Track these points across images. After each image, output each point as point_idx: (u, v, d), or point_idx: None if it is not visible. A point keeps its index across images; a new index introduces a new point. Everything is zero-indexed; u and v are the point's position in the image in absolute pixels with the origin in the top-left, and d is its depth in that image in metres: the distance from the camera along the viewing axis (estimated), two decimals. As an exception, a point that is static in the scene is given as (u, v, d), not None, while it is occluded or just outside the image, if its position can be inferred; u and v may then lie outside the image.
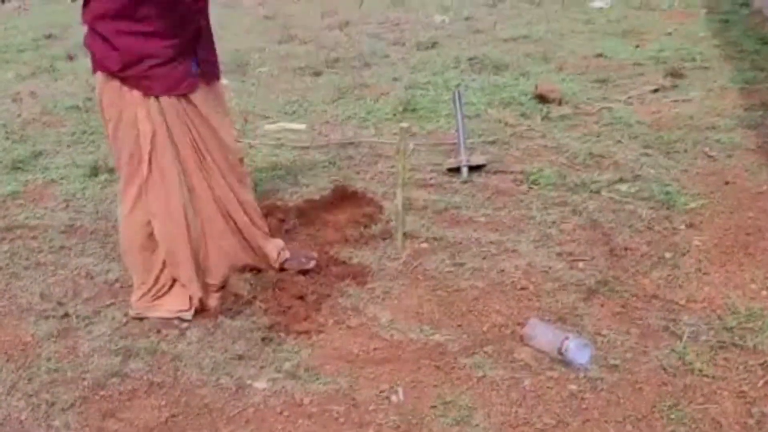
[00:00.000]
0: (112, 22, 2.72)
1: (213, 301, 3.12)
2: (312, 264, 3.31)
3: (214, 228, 3.09)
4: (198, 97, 2.92)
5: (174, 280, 3.06)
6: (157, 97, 2.80)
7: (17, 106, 6.03)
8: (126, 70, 2.76)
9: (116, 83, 2.80)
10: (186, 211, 2.95)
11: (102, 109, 2.89)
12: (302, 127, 5.35)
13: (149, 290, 3.07)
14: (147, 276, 3.06)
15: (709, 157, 4.34)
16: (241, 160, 3.18)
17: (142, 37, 2.74)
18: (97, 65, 2.83)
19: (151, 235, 2.98)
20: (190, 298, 3.04)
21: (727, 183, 3.99)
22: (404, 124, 3.44)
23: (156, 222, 2.95)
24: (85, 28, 2.84)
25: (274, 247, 3.30)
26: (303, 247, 3.50)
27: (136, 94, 2.78)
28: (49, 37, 8.81)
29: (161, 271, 3.04)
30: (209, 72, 3.01)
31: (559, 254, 3.42)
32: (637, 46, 7.03)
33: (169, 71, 2.80)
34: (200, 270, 3.06)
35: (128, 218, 3.00)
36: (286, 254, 3.33)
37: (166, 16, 2.73)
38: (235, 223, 3.14)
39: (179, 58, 2.83)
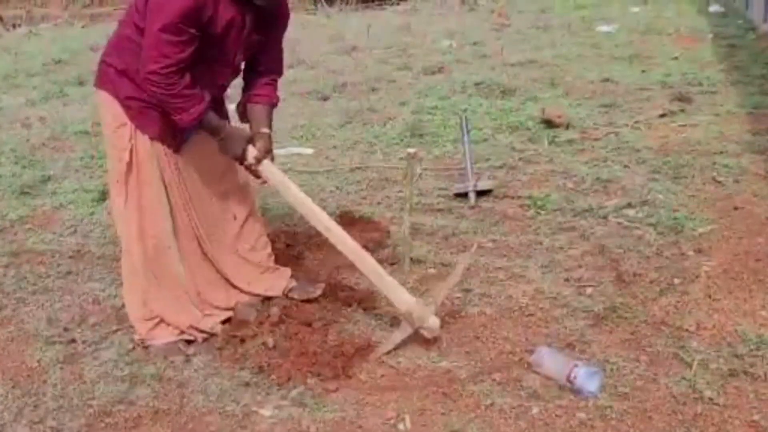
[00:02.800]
0: (129, 56, 2.77)
1: (218, 326, 3.11)
2: (318, 292, 3.29)
3: (223, 250, 3.11)
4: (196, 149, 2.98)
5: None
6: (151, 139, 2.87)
7: (27, 131, 6.07)
8: (129, 101, 2.82)
9: (119, 105, 2.85)
10: (165, 243, 2.96)
11: (103, 121, 2.96)
12: (310, 151, 5.37)
13: (145, 319, 3.05)
14: (141, 304, 3.05)
15: (718, 182, 4.32)
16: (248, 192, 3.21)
17: None
18: (107, 83, 2.86)
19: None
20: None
21: (735, 208, 3.97)
22: (411, 150, 3.45)
23: (132, 250, 2.96)
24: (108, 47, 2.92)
25: (281, 277, 3.30)
26: (310, 273, 3.50)
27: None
28: (59, 62, 8.89)
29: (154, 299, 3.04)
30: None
31: (567, 280, 3.41)
32: (644, 71, 7.05)
33: (165, 121, 2.83)
34: (188, 299, 3.05)
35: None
36: (293, 283, 3.32)
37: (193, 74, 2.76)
38: (237, 253, 3.16)
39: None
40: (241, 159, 2.92)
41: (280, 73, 3.11)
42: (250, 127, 3.01)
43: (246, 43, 2.84)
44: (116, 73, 2.83)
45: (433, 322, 2.87)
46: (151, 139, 2.86)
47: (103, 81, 2.90)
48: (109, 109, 2.88)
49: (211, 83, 2.87)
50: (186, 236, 3.04)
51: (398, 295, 2.93)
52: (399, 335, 2.91)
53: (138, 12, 2.72)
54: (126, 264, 3.05)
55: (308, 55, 8.71)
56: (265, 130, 3.00)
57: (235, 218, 3.16)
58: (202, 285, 3.11)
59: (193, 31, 2.62)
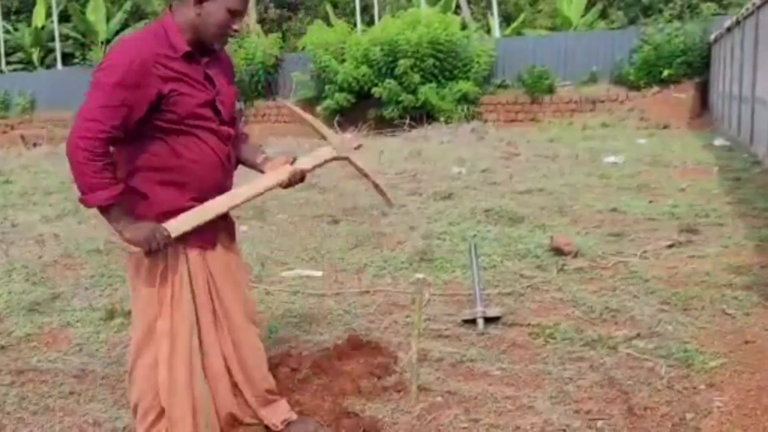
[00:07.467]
0: (147, 173, 2.77)
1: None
2: None
3: (221, 384, 3.05)
4: (221, 252, 2.99)
5: None
6: (184, 249, 2.84)
7: (39, 248, 6.14)
8: (161, 221, 2.77)
9: None
10: (191, 366, 2.90)
11: (131, 272, 2.90)
12: (319, 274, 5.39)
13: None
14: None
15: (727, 314, 4.30)
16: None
17: (175, 189, 2.80)
18: None
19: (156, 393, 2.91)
20: None
21: (746, 342, 3.93)
22: (420, 275, 3.46)
23: (159, 370, 2.88)
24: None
25: (277, 411, 3.23)
26: (315, 398, 3.44)
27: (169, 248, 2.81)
28: (76, 180, 9.07)
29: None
30: (231, 230, 3.10)
31: (576, 412, 3.34)
32: (651, 202, 7.15)
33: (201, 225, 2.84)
34: (200, 427, 2.97)
35: (138, 370, 2.95)
36: (293, 416, 3.24)
37: (197, 169, 2.81)
38: (236, 384, 3.10)
39: None
40: (150, 243, 2.68)
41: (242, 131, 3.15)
42: (250, 163, 3.04)
43: (220, 94, 2.83)
44: (138, 200, 2.77)
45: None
46: (189, 248, 2.84)
47: None
48: (140, 263, 2.83)
49: (213, 157, 2.83)
50: (211, 358, 2.98)
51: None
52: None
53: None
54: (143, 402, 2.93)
55: (320, 179, 8.89)
56: (264, 154, 3.05)
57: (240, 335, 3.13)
58: (222, 398, 3.04)
59: (127, 96, 2.56)
